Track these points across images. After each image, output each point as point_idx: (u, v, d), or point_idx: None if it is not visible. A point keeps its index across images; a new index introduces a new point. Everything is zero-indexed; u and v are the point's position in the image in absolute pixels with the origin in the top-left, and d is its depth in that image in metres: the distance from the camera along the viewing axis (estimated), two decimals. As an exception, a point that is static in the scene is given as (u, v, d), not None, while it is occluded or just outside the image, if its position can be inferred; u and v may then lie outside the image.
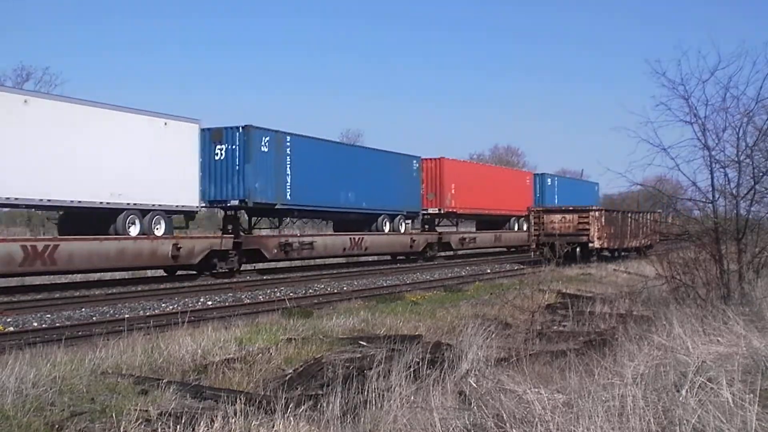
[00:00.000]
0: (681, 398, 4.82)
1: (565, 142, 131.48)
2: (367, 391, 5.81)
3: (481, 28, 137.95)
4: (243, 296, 17.70)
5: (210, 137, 22.90)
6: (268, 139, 23.69)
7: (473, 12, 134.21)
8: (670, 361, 6.19)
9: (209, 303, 16.40)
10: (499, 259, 34.81)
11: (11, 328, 12.26)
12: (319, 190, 26.05)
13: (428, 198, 33.74)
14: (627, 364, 5.92)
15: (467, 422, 5.03)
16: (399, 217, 31.04)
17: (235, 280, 21.84)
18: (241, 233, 24.30)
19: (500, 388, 5.58)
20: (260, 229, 27.26)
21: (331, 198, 26.92)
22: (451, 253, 35.39)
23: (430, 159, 34.47)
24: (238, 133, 23.05)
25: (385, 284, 21.04)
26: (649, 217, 29.60)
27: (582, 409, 4.66)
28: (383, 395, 5.66)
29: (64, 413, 6.05)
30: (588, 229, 29.49)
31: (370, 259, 32.85)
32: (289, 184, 24.68)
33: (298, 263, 28.25)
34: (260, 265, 25.41)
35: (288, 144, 24.65)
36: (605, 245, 30.48)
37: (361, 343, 9.29)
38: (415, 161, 32.67)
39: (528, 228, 31.91)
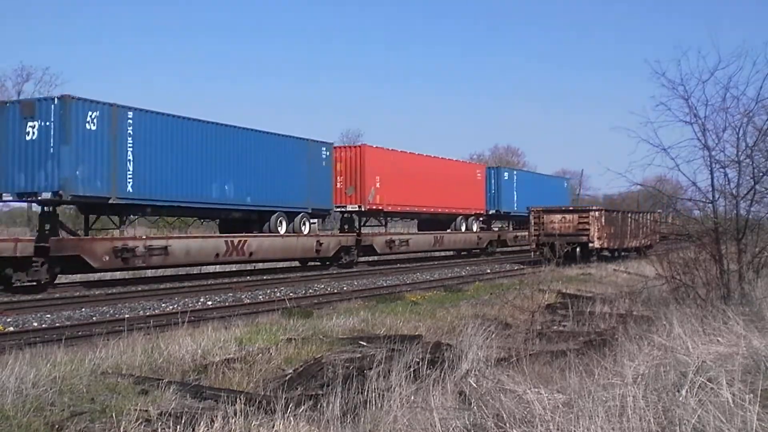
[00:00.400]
0: (681, 398, 4.81)
1: (565, 142, 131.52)
2: (367, 391, 5.81)
3: (482, 29, 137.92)
4: (243, 296, 17.70)
5: (20, 111, 18.42)
6: (96, 114, 18.62)
7: (474, 12, 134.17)
8: (670, 361, 6.19)
9: (209, 303, 16.41)
10: (499, 259, 34.76)
11: (11, 328, 12.26)
12: (180, 181, 20.88)
13: (347, 193, 28.71)
14: (627, 364, 5.91)
15: (467, 422, 5.03)
16: (301, 215, 25.71)
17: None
18: (69, 234, 19.80)
19: (500, 388, 5.58)
20: (98, 230, 21.81)
21: (199, 191, 21.65)
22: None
23: (348, 147, 29.72)
24: (53, 106, 18.14)
25: (385, 284, 21.04)
26: (649, 217, 29.69)
27: (582, 409, 4.66)
28: (383, 395, 5.66)
29: (64, 413, 6.05)
30: (588, 229, 29.51)
31: (369, 259, 32.27)
32: (130, 172, 19.36)
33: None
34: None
35: (129, 121, 19.32)
36: (605, 245, 30.50)
37: (361, 343, 9.29)
38: (324, 148, 27.16)
39: (528, 228, 31.86)
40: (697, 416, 4.42)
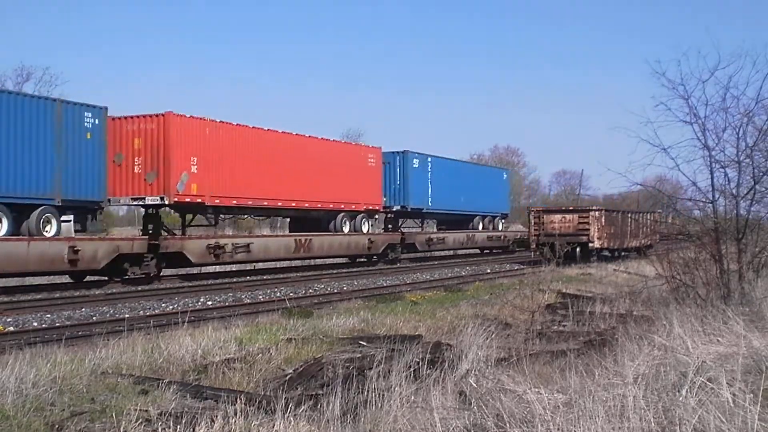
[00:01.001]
0: (681, 398, 4.81)
1: (565, 142, 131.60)
2: (367, 391, 5.81)
3: (482, 28, 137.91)
4: (243, 296, 17.71)
5: None
6: None
7: (474, 12, 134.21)
8: (671, 361, 6.19)
9: (209, 303, 16.41)
10: (498, 259, 34.72)
11: (11, 328, 12.26)
12: None
13: (147, 181, 21.19)
14: (627, 364, 5.91)
15: (467, 422, 5.03)
16: (41, 210, 17.92)
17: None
18: None
19: (500, 388, 5.58)
20: None
21: None
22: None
23: (148, 116, 21.28)
24: None
25: (385, 284, 21.04)
26: (649, 217, 29.69)
27: (582, 409, 4.66)
28: (383, 395, 5.66)
29: (64, 413, 6.05)
30: (588, 229, 29.54)
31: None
32: None
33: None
34: None
35: None
36: (605, 245, 30.52)
37: (361, 343, 9.29)
38: (89, 114, 19.16)
39: (528, 228, 31.81)
40: (698, 416, 4.42)
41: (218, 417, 5.25)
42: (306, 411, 5.55)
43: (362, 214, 29.04)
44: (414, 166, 31.87)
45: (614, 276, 22.19)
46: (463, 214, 36.76)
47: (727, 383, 4.87)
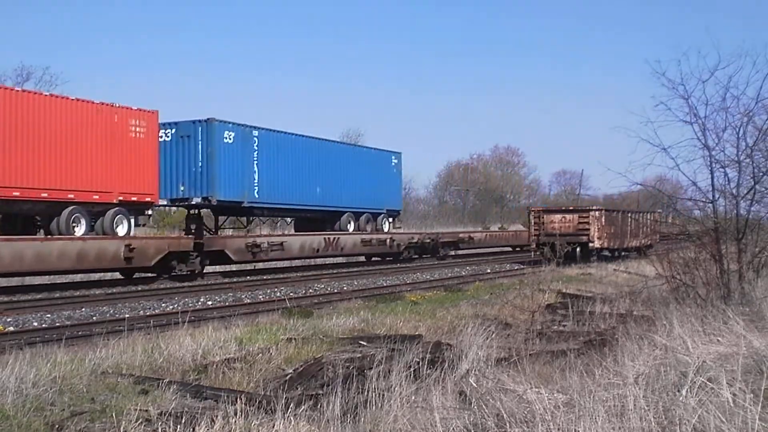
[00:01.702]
0: (681, 398, 4.81)
1: (565, 142, 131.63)
2: (367, 391, 5.82)
3: (482, 28, 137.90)
4: (243, 296, 17.71)
5: None
6: None
7: (475, 12, 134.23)
8: (671, 361, 6.19)
9: (209, 303, 16.41)
10: (498, 259, 34.68)
11: (11, 328, 12.26)
12: None
13: None
14: (627, 364, 5.91)
15: (467, 422, 5.02)
16: None
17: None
18: None
19: (500, 388, 5.58)
20: None
21: None
22: None
23: None
24: None
25: (385, 284, 21.03)
26: (649, 217, 29.73)
27: (583, 408, 4.66)
28: (383, 395, 5.66)
29: (64, 413, 6.06)
30: (588, 229, 29.55)
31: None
32: None
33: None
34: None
35: None
36: (605, 245, 30.54)
37: (361, 343, 9.30)
38: None
39: (528, 227, 31.79)
40: (698, 416, 4.42)
41: (218, 417, 5.25)
42: (306, 411, 5.55)
43: (115, 209, 19.61)
44: (226, 141, 22.47)
45: (614, 276, 22.19)
46: (321, 210, 27.29)
47: (727, 383, 4.86)
